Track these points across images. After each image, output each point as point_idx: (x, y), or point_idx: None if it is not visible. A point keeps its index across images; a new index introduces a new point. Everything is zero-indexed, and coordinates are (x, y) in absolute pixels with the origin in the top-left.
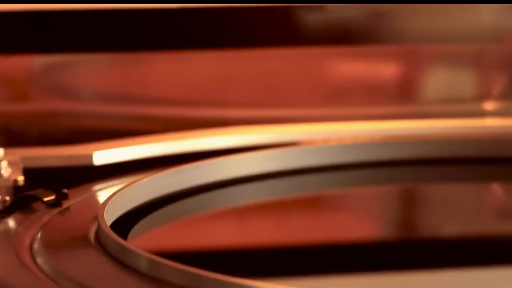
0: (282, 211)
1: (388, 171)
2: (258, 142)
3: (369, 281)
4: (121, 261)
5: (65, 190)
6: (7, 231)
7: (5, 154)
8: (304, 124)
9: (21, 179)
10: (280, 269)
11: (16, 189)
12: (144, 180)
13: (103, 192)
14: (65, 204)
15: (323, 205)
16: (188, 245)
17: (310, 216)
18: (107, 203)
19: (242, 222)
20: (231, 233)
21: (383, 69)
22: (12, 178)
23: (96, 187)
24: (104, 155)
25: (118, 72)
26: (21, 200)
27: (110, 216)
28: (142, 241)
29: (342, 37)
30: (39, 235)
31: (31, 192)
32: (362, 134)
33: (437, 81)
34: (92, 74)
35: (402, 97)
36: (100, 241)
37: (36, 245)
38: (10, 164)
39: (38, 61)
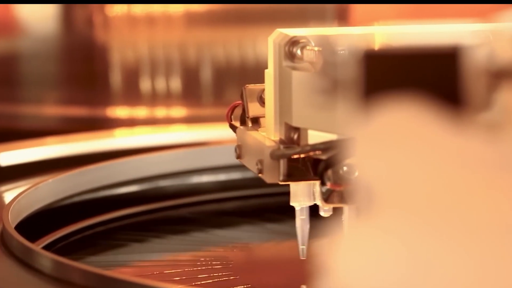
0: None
1: None
2: (167, 141)
3: None
4: (26, 262)
5: None
6: None
7: None
8: (214, 123)
9: None
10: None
11: None
12: (50, 180)
13: (9, 193)
14: None
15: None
16: (95, 246)
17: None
18: (12, 204)
19: (154, 222)
20: (140, 233)
21: None
22: None
23: (2, 188)
24: (9, 156)
25: None
26: None
27: (15, 217)
28: (48, 242)
29: None
30: None
31: None
32: None
33: None
34: None
35: None
36: (5, 243)
37: None
38: None
39: None
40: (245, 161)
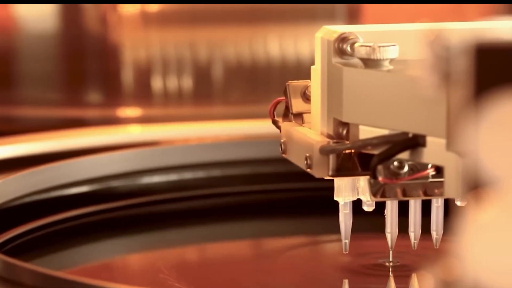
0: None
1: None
2: (118, 142)
3: None
4: None
5: None
6: None
7: None
8: (164, 123)
9: None
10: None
11: None
12: (0, 181)
13: None
14: None
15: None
16: (45, 247)
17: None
18: None
19: (105, 222)
20: (91, 234)
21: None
22: None
23: None
24: None
25: None
26: None
27: None
28: None
29: None
30: None
31: None
32: (222, 133)
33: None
34: None
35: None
36: None
37: None
38: None
39: None
40: (291, 157)
